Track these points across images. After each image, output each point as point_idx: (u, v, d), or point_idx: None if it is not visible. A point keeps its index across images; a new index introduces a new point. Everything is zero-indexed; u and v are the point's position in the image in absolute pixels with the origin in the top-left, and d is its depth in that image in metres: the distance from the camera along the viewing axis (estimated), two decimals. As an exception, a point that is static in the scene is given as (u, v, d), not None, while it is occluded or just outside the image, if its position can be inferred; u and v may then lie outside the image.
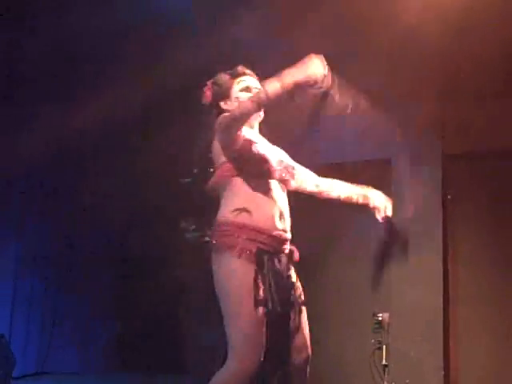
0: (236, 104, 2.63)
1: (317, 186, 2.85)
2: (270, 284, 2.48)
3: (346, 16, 4.01)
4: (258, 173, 2.57)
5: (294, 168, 2.76)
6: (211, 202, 2.64)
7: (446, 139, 4.97)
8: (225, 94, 2.70)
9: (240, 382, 2.42)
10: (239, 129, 2.53)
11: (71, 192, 5.93)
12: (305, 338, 2.64)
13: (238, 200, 2.53)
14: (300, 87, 2.40)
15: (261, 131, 2.78)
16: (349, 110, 2.56)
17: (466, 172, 5.00)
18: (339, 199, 2.85)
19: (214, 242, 2.53)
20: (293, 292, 2.62)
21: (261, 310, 2.44)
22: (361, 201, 2.82)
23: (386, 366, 4.55)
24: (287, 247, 2.62)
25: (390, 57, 4.47)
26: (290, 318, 2.59)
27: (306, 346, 2.65)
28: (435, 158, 4.95)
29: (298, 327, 2.62)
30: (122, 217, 5.79)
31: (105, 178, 5.44)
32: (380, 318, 4.69)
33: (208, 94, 2.74)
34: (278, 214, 2.57)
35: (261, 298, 2.44)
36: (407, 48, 4.38)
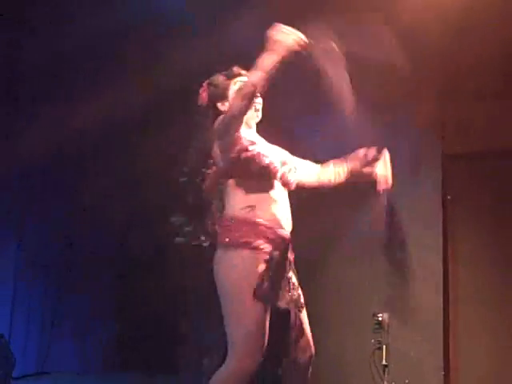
0: None
1: (318, 179, 2.85)
2: (274, 281, 2.50)
3: (345, 16, 4.01)
4: (260, 174, 2.57)
5: (296, 168, 2.75)
6: (204, 203, 2.65)
7: (445, 139, 4.97)
8: (222, 95, 2.69)
9: (240, 380, 2.42)
10: (237, 129, 2.54)
11: (71, 192, 5.92)
12: (307, 338, 2.65)
13: (245, 198, 2.55)
14: (282, 62, 2.42)
15: (259, 131, 2.79)
16: (346, 83, 2.55)
17: (465, 172, 5.00)
18: (344, 181, 2.85)
19: (227, 239, 2.52)
20: (293, 291, 2.63)
21: (264, 307, 2.45)
22: (365, 171, 2.80)
23: (385, 366, 4.54)
24: (289, 246, 2.63)
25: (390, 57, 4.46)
26: (291, 317, 2.60)
27: (310, 346, 2.66)
28: (435, 158, 4.95)
29: (300, 326, 2.63)
30: (121, 217, 5.79)
31: (105, 178, 5.44)
32: (380, 318, 4.68)
33: (204, 95, 2.74)
34: (281, 214, 2.59)
35: (265, 294, 2.45)
36: (407, 48, 4.37)
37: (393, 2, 4.11)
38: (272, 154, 2.66)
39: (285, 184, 2.67)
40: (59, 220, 6.05)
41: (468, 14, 4.06)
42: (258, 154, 2.58)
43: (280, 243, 2.56)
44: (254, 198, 2.55)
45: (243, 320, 2.43)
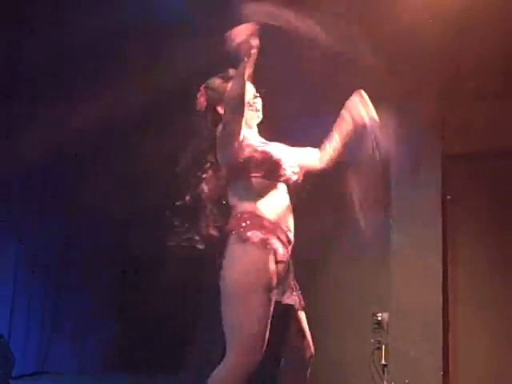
0: None
1: (322, 162, 2.87)
2: (284, 281, 2.54)
3: (345, 16, 4.01)
4: (270, 171, 2.60)
5: (300, 168, 2.77)
6: (198, 206, 2.66)
7: (445, 139, 4.96)
8: (221, 99, 2.68)
9: (238, 378, 2.41)
10: (239, 133, 2.55)
11: (71, 192, 5.93)
12: (307, 337, 2.66)
13: (253, 196, 2.57)
14: (248, 53, 2.43)
15: (259, 131, 2.79)
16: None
17: (465, 172, 4.99)
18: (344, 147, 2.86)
19: (234, 232, 2.52)
20: (297, 291, 2.64)
21: (268, 306, 2.45)
22: (349, 123, 2.81)
23: (385, 365, 4.55)
24: (291, 246, 2.64)
25: (390, 56, 4.47)
26: (292, 317, 2.61)
27: (309, 346, 2.67)
28: (435, 158, 4.94)
29: (300, 326, 2.64)
30: (121, 217, 5.80)
31: (105, 178, 5.44)
32: (379, 318, 4.69)
33: (202, 99, 2.73)
34: (286, 214, 2.61)
35: (274, 293, 2.46)
36: (407, 47, 4.38)
37: (393, 2, 4.11)
38: (279, 152, 2.67)
39: (291, 179, 2.68)
40: (59, 220, 6.05)
41: (468, 14, 4.06)
42: (268, 151, 2.61)
43: (286, 242, 2.58)
44: (261, 197, 2.57)
45: (246, 318, 2.42)
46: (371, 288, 4.95)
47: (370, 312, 4.74)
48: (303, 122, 4.87)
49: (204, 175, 2.67)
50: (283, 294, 2.56)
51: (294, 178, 2.69)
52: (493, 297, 4.78)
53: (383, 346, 4.59)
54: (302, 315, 2.66)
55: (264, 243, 2.48)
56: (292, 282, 2.64)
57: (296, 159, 2.75)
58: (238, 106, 2.51)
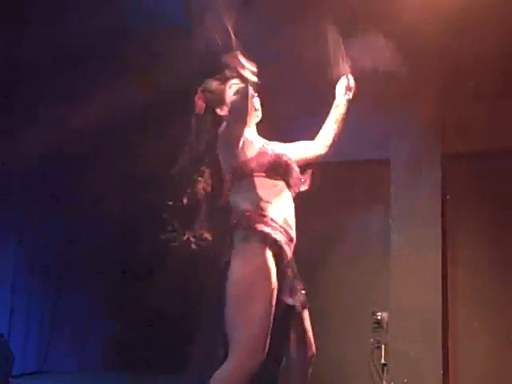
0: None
1: (324, 149, 2.93)
2: (292, 281, 2.55)
3: (345, 16, 4.01)
4: (274, 169, 2.61)
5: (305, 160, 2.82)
6: (194, 207, 2.66)
7: (445, 139, 4.97)
8: (219, 100, 2.69)
9: (241, 379, 2.41)
10: (241, 137, 2.57)
11: (71, 192, 5.93)
12: (309, 337, 2.66)
13: (256, 194, 2.57)
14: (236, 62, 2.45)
15: (259, 131, 2.80)
16: None
17: (465, 172, 5.00)
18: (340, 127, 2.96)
19: (241, 229, 2.52)
20: (295, 291, 2.64)
21: (272, 306, 2.45)
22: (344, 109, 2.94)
23: (384, 365, 4.56)
24: (293, 244, 2.65)
25: (390, 56, 4.46)
26: (296, 317, 2.61)
27: (311, 345, 2.67)
28: (435, 158, 4.95)
29: (303, 326, 2.64)
30: (122, 217, 5.79)
31: (105, 177, 5.44)
32: (379, 317, 4.70)
33: (200, 102, 2.73)
34: (289, 214, 2.62)
35: (277, 289, 2.46)
36: (407, 47, 4.37)
37: (393, 2, 4.11)
38: (282, 149, 2.70)
39: (300, 184, 2.69)
40: (59, 220, 6.05)
41: (467, 14, 4.06)
42: (272, 150, 2.63)
43: (289, 240, 2.59)
44: (264, 195, 2.57)
45: (250, 319, 2.41)
46: (371, 288, 4.96)
47: (370, 312, 4.74)
48: (303, 121, 4.87)
49: (200, 178, 2.68)
50: (288, 293, 2.56)
51: (302, 179, 2.71)
52: (492, 297, 4.79)
53: (383, 346, 4.60)
54: (306, 314, 2.67)
55: (269, 241, 2.48)
56: (296, 281, 2.64)
57: (300, 153, 2.79)
58: (242, 115, 2.54)
